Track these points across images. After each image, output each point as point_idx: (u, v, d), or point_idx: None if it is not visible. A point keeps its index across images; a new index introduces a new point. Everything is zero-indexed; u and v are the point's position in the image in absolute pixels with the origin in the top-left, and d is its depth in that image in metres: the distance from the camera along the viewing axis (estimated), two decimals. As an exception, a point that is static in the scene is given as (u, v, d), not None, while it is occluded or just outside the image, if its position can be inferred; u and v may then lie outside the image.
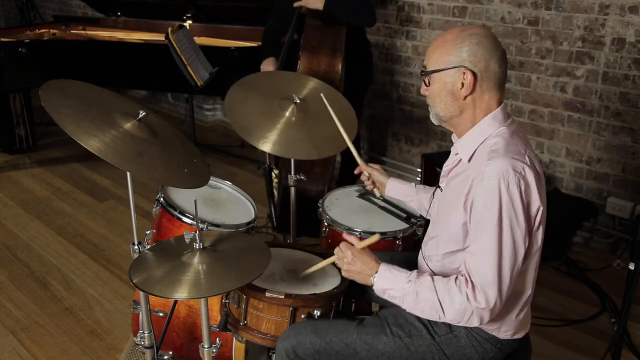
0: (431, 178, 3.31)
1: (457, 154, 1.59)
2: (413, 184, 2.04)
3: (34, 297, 2.87)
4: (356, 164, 2.12)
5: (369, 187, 2.13)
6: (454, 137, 1.65)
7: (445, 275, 1.56)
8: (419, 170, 3.81)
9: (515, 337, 1.62)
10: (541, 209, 1.47)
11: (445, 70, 1.51)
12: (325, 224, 2.23)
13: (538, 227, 1.49)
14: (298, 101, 2.25)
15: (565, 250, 3.31)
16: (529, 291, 1.57)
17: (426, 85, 1.57)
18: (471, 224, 1.49)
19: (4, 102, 4.34)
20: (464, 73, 1.49)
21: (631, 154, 3.17)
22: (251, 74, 2.45)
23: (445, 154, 1.75)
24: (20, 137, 4.63)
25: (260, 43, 3.71)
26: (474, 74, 1.49)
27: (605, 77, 3.16)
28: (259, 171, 3.36)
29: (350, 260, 1.62)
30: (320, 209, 2.27)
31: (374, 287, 1.58)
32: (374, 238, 1.65)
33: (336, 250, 1.68)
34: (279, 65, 3.11)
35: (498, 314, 1.52)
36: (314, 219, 2.35)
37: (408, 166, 4.19)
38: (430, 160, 3.40)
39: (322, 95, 2.22)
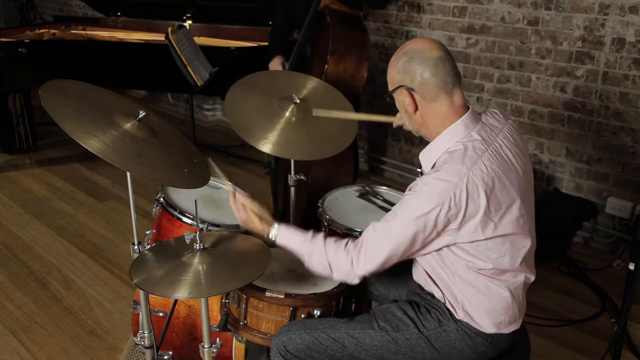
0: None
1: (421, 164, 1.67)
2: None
3: (34, 297, 2.87)
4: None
5: None
6: None
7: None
8: (419, 170, 3.80)
9: (503, 331, 1.62)
10: (479, 213, 1.47)
11: (395, 91, 1.60)
12: (325, 224, 2.22)
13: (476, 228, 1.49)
14: (298, 101, 2.24)
15: (565, 250, 3.31)
16: (504, 293, 1.58)
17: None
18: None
19: (3, 102, 4.34)
20: (404, 92, 1.57)
21: (631, 154, 3.16)
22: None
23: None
24: (20, 137, 4.63)
25: (260, 43, 3.70)
26: (411, 91, 1.55)
27: (605, 77, 3.16)
28: (264, 171, 3.35)
29: (245, 215, 1.75)
30: (320, 209, 2.27)
31: (275, 241, 1.72)
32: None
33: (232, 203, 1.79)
34: (290, 66, 3.03)
35: (470, 308, 1.58)
36: None
37: (408, 166, 4.19)
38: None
39: (314, 112, 2.13)
